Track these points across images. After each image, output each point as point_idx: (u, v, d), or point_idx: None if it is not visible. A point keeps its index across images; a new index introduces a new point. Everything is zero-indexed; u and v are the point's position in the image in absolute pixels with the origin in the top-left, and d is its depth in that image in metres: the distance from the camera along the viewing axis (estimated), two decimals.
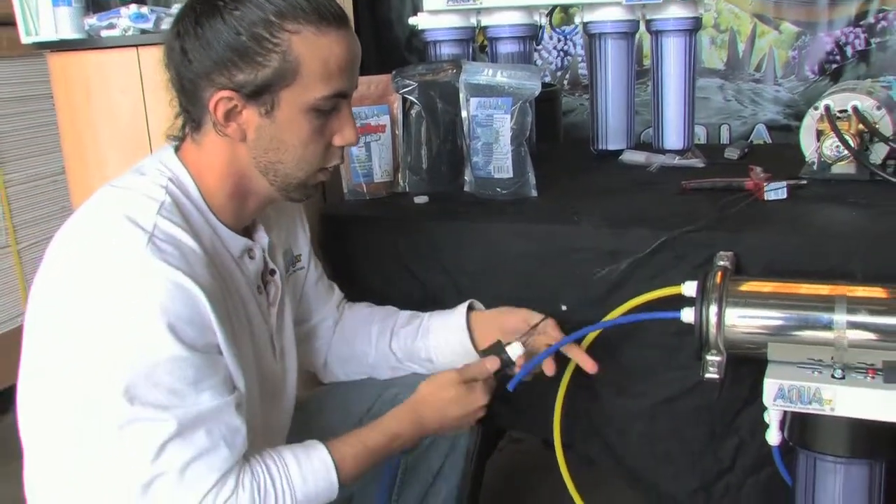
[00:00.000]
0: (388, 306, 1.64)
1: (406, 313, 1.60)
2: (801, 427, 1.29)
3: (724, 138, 3.53)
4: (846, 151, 1.68)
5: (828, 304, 1.24)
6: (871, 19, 3.26)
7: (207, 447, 1.14)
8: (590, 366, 1.45)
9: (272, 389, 1.42)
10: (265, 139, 1.23)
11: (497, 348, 1.46)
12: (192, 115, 1.26)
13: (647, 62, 2.53)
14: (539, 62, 3.74)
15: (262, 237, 1.37)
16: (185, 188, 1.25)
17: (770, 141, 3.43)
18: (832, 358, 1.25)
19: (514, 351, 1.45)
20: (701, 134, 3.53)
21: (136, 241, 1.13)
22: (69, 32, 1.94)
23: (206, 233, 1.25)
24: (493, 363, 1.43)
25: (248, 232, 1.36)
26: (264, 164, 1.25)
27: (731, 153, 2.12)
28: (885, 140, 1.66)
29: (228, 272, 1.28)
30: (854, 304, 1.23)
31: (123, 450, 1.12)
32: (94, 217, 1.20)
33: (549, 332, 1.47)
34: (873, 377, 1.23)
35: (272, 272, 1.40)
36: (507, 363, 1.45)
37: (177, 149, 1.30)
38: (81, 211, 1.22)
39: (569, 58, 3.75)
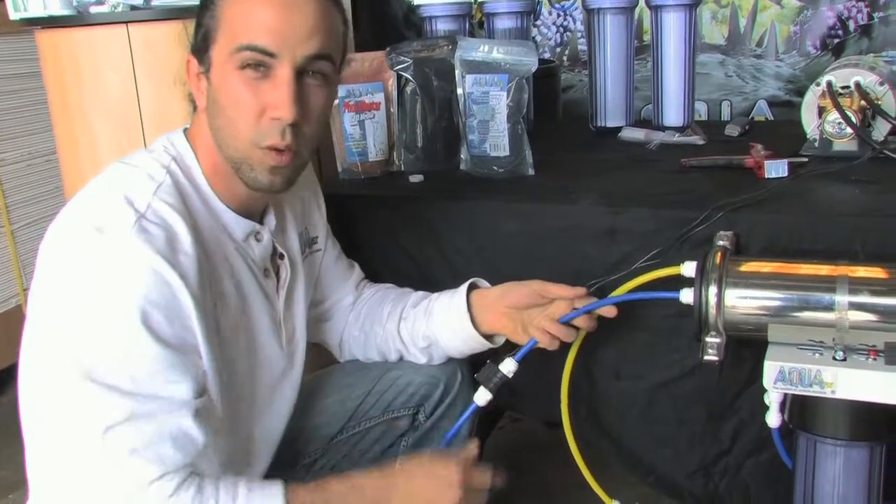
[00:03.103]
0: (405, 288, 1.63)
1: (417, 295, 1.59)
2: (802, 409, 1.29)
3: (725, 114, 3.52)
4: (848, 128, 1.67)
5: (829, 284, 1.23)
6: None
7: (154, 441, 1.10)
8: (611, 311, 1.43)
9: (273, 376, 1.40)
10: (210, 103, 1.23)
11: (490, 370, 1.46)
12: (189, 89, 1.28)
13: (647, 37, 2.51)
14: (538, 38, 3.73)
15: (271, 220, 1.36)
16: (188, 169, 1.25)
17: (771, 117, 3.43)
18: (833, 339, 1.23)
19: (508, 367, 1.45)
20: (702, 110, 3.52)
21: (124, 221, 1.11)
22: (58, 9, 1.93)
23: (205, 216, 1.24)
24: (474, 447, 1.37)
25: (259, 215, 1.34)
26: (214, 134, 1.23)
27: (732, 130, 2.11)
28: (888, 117, 1.65)
29: (226, 257, 1.27)
30: (856, 285, 1.21)
31: (74, 424, 1.10)
32: (95, 192, 1.19)
33: (564, 294, 1.44)
34: (875, 359, 1.22)
35: (281, 256, 1.39)
36: (503, 380, 1.45)
37: (187, 129, 1.30)
38: (88, 185, 1.22)
39: (568, 33, 3.74)
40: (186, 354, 1.14)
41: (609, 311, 1.43)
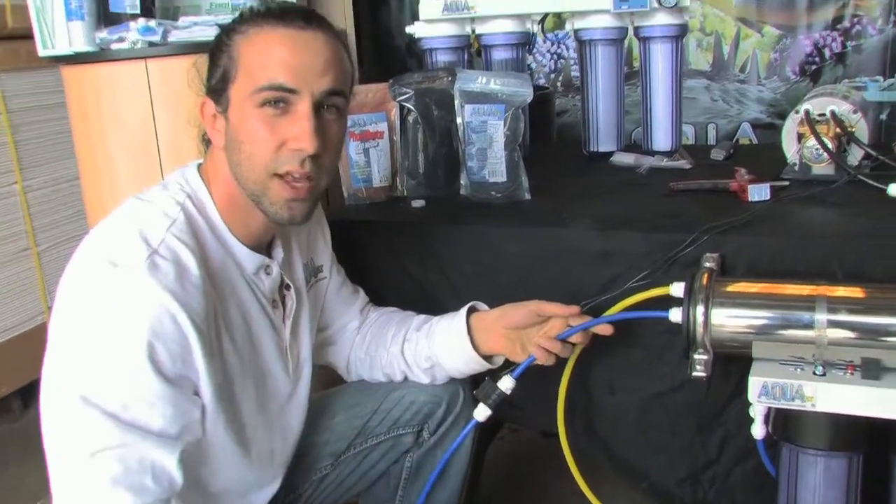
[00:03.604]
0: (408, 312, 1.62)
1: (419, 318, 1.58)
2: (785, 422, 1.29)
3: (712, 136, 3.53)
4: (825, 154, 1.68)
5: (809, 303, 1.23)
6: (846, 23, 3.27)
7: (136, 471, 1.09)
8: (607, 330, 1.43)
9: (282, 398, 1.41)
10: (229, 141, 1.22)
11: (489, 388, 1.47)
12: (203, 129, 1.28)
13: (636, 64, 2.52)
14: (533, 65, 3.74)
15: (279, 253, 1.36)
16: (202, 206, 1.24)
17: (754, 138, 3.44)
18: (813, 356, 1.24)
19: (506, 384, 1.45)
20: (689, 132, 3.53)
21: (137, 256, 1.12)
22: (82, 45, 1.95)
23: (217, 252, 1.24)
24: None
25: (267, 247, 1.34)
26: (233, 171, 1.23)
27: (717, 154, 2.11)
28: (861, 144, 1.66)
29: (235, 289, 1.27)
30: (834, 304, 1.22)
31: (67, 444, 1.10)
32: (111, 226, 1.19)
33: (559, 313, 1.45)
34: (852, 373, 1.22)
35: (287, 286, 1.39)
36: (502, 396, 1.46)
37: (201, 165, 1.30)
38: (106, 219, 1.22)
39: (562, 60, 3.76)
40: (183, 392, 1.14)
41: (605, 330, 1.43)
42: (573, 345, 1.46)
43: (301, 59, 1.18)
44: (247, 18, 1.21)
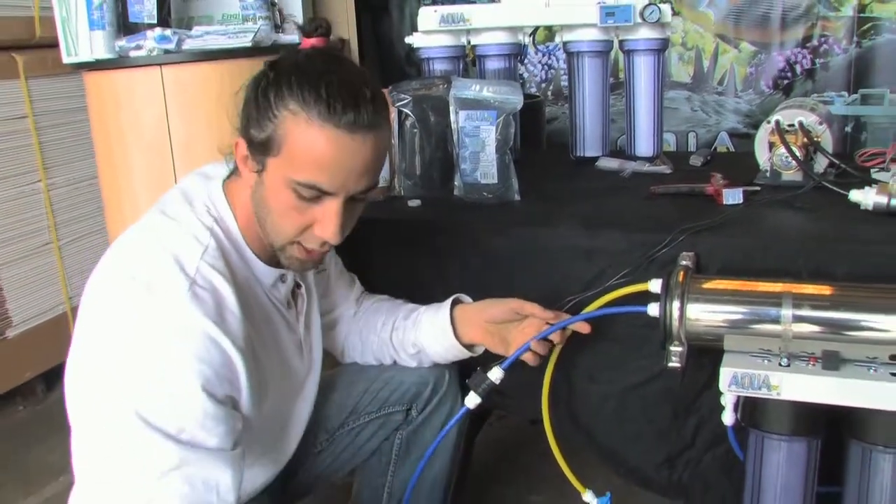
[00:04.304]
0: (397, 300, 1.64)
1: (408, 307, 1.59)
2: (752, 409, 1.30)
3: (692, 144, 3.54)
4: (794, 161, 1.68)
5: (776, 300, 1.24)
6: (815, 42, 3.29)
7: (201, 490, 1.10)
8: (585, 328, 1.44)
9: (298, 383, 1.44)
10: (257, 195, 1.20)
11: (479, 378, 1.47)
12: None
13: (621, 75, 2.53)
14: (525, 75, 3.74)
15: None
16: (227, 231, 1.23)
17: (732, 146, 3.45)
18: (779, 348, 1.25)
19: (495, 374, 1.46)
20: (671, 140, 3.54)
21: (178, 287, 1.11)
22: (103, 53, 1.97)
23: (242, 271, 1.24)
24: None
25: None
26: (256, 213, 1.22)
27: (696, 160, 2.11)
28: (825, 153, 1.67)
29: (259, 303, 1.27)
30: (798, 300, 1.23)
31: (130, 465, 1.10)
32: (143, 247, 1.17)
33: (536, 314, 1.45)
34: (814, 364, 1.24)
35: (299, 286, 1.40)
36: (491, 386, 1.46)
37: (226, 178, 1.28)
38: (133, 235, 1.21)
39: (552, 71, 3.76)
40: (230, 409, 1.15)
41: (583, 328, 1.44)
42: (553, 343, 1.47)
43: (344, 165, 1.13)
44: (298, 92, 1.12)
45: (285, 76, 1.14)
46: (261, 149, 1.16)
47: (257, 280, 1.28)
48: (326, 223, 1.17)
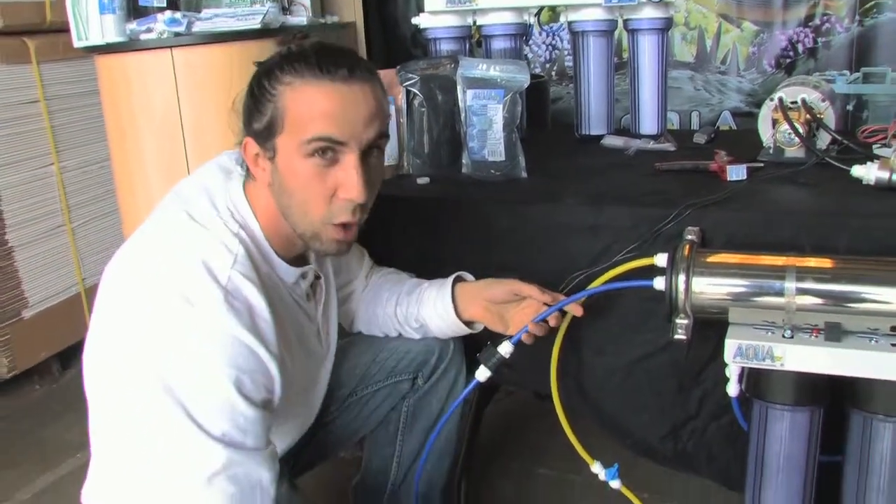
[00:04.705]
0: (403, 274, 1.65)
1: (412, 282, 1.61)
2: (756, 380, 1.31)
3: (695, 123, 3.52)
4: (796, 138, 1.69)
5: (780, 273, 1.25)
6: (817, 21, 3.27)
7: (247, 490, 1.12)
8: (578, 311, 1.45)
9: (316, 365, 1.46)
10: (276, 184, 1.21)
11: (490, 352, 1.49)
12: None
13: (626, 55, 2.53)
14: (530, 55, 3.73)
15: (311, 255, 1.37)
16: (253, 235, 1.23)
17: (734, 125, 3.44)
18: (783, 320, 1.26)
19: (505, 349, 1.47)
20: (674, 119, 3.53)
21: (215, 299, 1.12)
22: (113, 36, 1.98)
23: (267, 273, 1.24)
24: None
25: (302, 254, 1.35)
26: (281, 209, 1.23)
27: (699, 138, 2.11)
28: (827, 129, 1.67)
29: (283, 303, 1.28)
30: (802, 274, 1.24)
31: (177, 467, 1.11)
32: (175, 255, 1.16)
33: (534, 296, 1.47)
34: (817, 336, 1.25)
35: (318, 277, 1.42)
36: (501, 360, 1.48)
37: (245, 179, 1.28)
38: (161, 236, 1.20)
39: (556, 51, 3.74)
40: (264, 411, 1.16)
41: (576, 311, 1.45)
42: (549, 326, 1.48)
43: (348, 112, 1.16)
44: (289, 65, 1.16)
45: (275, 63, 1.18)
46: (267, 134, 1.18)
47: (280, 280, 1.29)
48: (349, 181, 1.17)
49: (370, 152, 1.21)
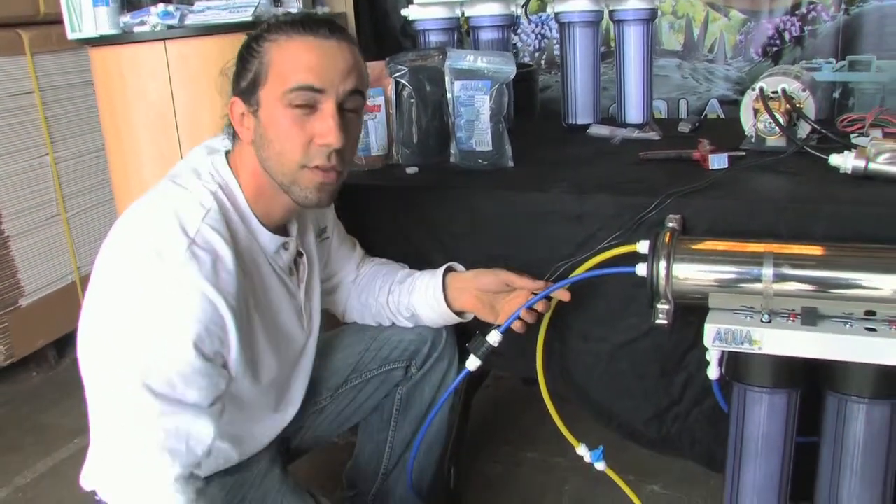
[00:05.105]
0: (394, 264, 1.67)
1: (404, 272, 1.63)
2: (735, 364, 1.33)
3: (683, 111, 3.54)
4: (777, 127, 1.70)
5: (757, 259, 1.27)
6: (803, 9, 3.29)
7: (175, 439, 1.16)
8: (565, 296, 1.48)
9: (297, 349, 1.47)
10: (258, 137, 1.25)
11: (479, 341, 1.52)
12: (231, 124, 1.31)
13: (613, 44, 2.55)
14: (519, 44, 3.75)
15: (294, 228, 1.40)
16: (232, 195, 1.28)
17: (722, 113, 3.46)
18: (761, 305, 1.28)
19: (494, 338, 1.50)
20: (662, 108, 3.54)
21: (177, 245, 1.16)
22: (107, 29, 1.98)
23: (244, 236, 1.28)
24: None
25: (286, 227, 1.39)
26: (263, 163, 1.27)
27: (684, 127, 2.12)
28: (807, 118, 1.69)
29: (258, 268, 1.31)
30: (779, 260, 1.26)
31: (120, 416, 1.16)
32: (151, 210, 1.23)
33: (526, 286, 1.50)
34: (794, 321, 1.27)
35: (300, 254, 1.44)
36: (490, 349, 1.51)
37: (229, 154, 1.33)
38: (143, 200, 1.26)
39: (546, 40, 3.75)
40: (216, 366, 1.20)
41: (563, 296, 1.48)
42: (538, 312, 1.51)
43: (327, 64, 1.23)
44: (275, 27, 1.24)
45: (262, 28, 1.26)
46: (251, 89, 1.24)
47: (261, 248, 1.31)
48: (325, 127, 1.23)
49: (347, 108, 1.26)
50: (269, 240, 1.32)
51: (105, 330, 1.17)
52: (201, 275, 1.15)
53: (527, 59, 3.74)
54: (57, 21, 2.14)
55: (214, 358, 1.19)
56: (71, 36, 2.02)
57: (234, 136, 1.32)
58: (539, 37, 3.75)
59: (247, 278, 1.25)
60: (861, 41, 3.25)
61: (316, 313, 1.51)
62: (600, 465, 1.59)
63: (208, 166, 1.30)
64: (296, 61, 1.22)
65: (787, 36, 3.34)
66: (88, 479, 1.28)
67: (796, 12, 3.29)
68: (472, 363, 1.53)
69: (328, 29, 1.25)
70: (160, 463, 1.14)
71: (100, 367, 1.18)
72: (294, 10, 1.31)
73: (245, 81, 1.25)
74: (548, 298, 1.49)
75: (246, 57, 1.26)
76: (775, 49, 3.36)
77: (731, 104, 3.40)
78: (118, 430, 1.16)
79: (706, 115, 3.44)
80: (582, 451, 1.59)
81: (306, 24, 1.24)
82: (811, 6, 3.26)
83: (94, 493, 1.26)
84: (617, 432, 1.66)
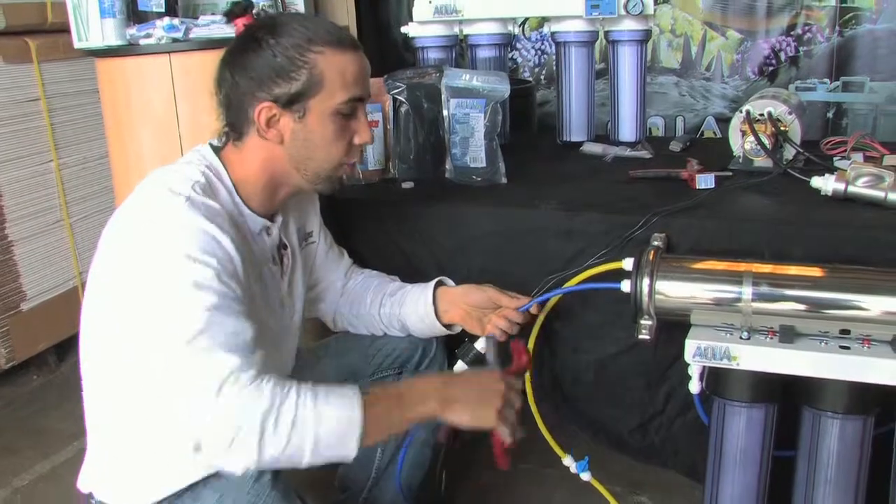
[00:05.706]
0: (385, 276, 1.69)
1: (395, 284, 1.66)
2: (715, 378, 1.37)
3: (680, 128, 3.59)
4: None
5: (738, 278, 1.31)
6: (799, 30, 3.34)
7: (233, 336, 1.19)
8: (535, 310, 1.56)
9: (276, 339, 1.48)
10: (299, 140, 1.33)
11: (467, 348, 1.57)
12: (235, 126, 1.35)
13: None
14: (519, 59, 3.79)
15: (279, 218, 1.44)
16: (218, 173, 1.34)
17: (718, 131, 3.50)
18: (741, 323, 1.32)
19: (481, 345, 1.55)
20: (659, 124, 3.59)
21: (174, 201, 1.22)
22: (113, 40, 2.02)
23: (231, 209, 1.33)
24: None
25: (269, 216, 1.42)
26: (298, 161, 1.35)
27: (675, 146, 2.16)
28: (791, 142, 1.72)
29: (246, 241, 1.35)
30: (758, 279, 1.30)
31: (160, 337, 1.18)
32: (142, 190, 1.29)
33: (511, 305, 1.54)
34: (772, 338, 1.31)
35: (284, 246, 1.48)
36: (478, 355, 1.56)
37: (217, 150, 1.38)
38: (137, 188, 1.31)
39: (545, 55, 3.79)
40: (232, 293, 1.23)
41: (534, 309, 1.55)
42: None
43: (365, 75, 1.37)
44: (315, 40, 1.30)
45: (286, 34, 1.31)
46: (298, 97, 1.31)
47: (244, 223, 1.36)
48: (363, 129, 1.38)
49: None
50: (252, 218, 1.37)
51: (120, 296, 1.21)
52: (204, 218, 1.22)
53: (527, 75, 3.78)
54: (64, 29, 2.19)
55: (229, 289, 1.22)
56: (77, 45, 2.06)
57: (233, 138, 1.36)
58: (539, 52, 3.79)
59: (240, 241, 1.29)
60: (855, 63, 3.30)
61: (297, 311, 1.54)
62: (585, 476, 1.62)
63: (195, 155, 1.37)
64: (346, 75, 1.32)
65: (782, 56, 3.39)
66: (85, 482, 1.31)
67: (792, 33, 3.35)
68: (460, 368, 1.57)
69: (352, 43, 1.36)
70: (222, 360, 1.17)
71: (121, 333, 1.21)
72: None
73: (284, 89, 1.30)
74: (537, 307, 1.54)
75: (286, 64, 1.29)
76: (771, 68, 3.41)
77: (728, 122, 3.40)
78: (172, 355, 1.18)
79: (702, 133, 3.48)
80: (567, 461, 1.62)
81: (339, 36, 1.34)
82: (806, 27, 3.32)
83: (90, 495, 1.30)
84: (602, 442, 1.69)
